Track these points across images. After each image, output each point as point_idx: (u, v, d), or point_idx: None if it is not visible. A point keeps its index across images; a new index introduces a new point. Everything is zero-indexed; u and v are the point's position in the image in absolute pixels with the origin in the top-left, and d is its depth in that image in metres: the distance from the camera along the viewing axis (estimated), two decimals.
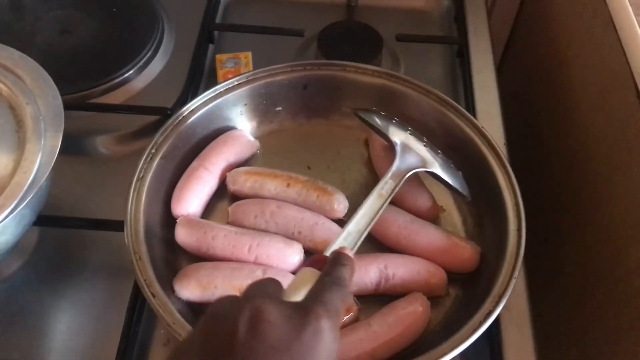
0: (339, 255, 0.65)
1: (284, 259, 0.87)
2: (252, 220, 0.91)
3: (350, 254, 0.66)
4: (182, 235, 0.90)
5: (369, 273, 0.86)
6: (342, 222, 0.92)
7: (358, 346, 0.79)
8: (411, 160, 0.91)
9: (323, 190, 0.94)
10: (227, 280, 0.84)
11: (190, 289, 0.84)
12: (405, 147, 0.92)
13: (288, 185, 0.94)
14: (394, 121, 0.97)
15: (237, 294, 0.83)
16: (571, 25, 1.21)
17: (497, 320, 0.87)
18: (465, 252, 0.90)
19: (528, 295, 0.92)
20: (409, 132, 0.95)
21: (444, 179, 0.93)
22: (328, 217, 0.92)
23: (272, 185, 0.94)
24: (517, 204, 0.88)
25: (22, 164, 0.81)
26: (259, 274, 0.84)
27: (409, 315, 0.83)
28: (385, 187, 0.86)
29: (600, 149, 1.05)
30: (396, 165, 0.89)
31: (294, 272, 0.88)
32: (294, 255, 0.88)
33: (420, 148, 0.93)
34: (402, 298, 0.85)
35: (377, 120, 0.96)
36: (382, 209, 0.83)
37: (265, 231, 0.91)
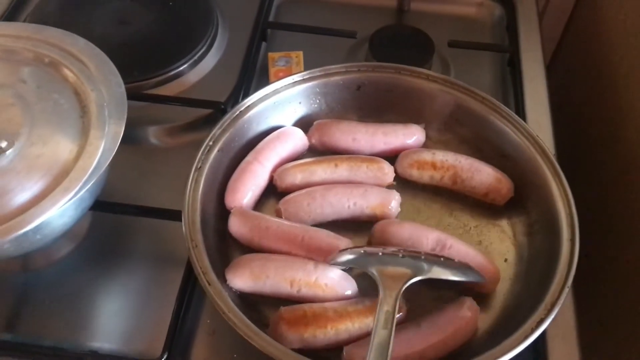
0: None
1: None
2: (306, 209, 0.93)
3: None
4: (236, 225, 0.91)
5: (427, 237, 0.90)
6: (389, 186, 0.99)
7: (407, 345, 0.79)
8: (397, 279, 0.80)
9: (369, 160, 0.99)
10: (279, 271, 0.85)
11: (243, 279, 0.85)
12: (384, 273, 0.81)
13: (336, 165, 0.98)
14: (362, 251, 0.86)
15: (289, 285, 0.85)
16: (624, 38, 1.21)
17: (543, 331, 0.87)
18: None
19: (574, 307, 0.92)
20: (380, 253, 0.84)
21: (447, 278, 0.83)
22: (378, 183, 0.98)
23: (321, 170, 0.97)
24: (570, 214, 0.88)
25: (86, 149, 0.83)
26: (310, 268, 0.86)
27: (458, 319, 0.83)
28: (382, 323, 0.76)
29: None
30: (381, 294, 0.79)
31: None
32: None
33: (402, 262, 0.82)
34: (452, 302, 0.86)
35: (350, 258, 0.86)
36: (390, 347, 0.74)
37: (321, 215, 0.93)
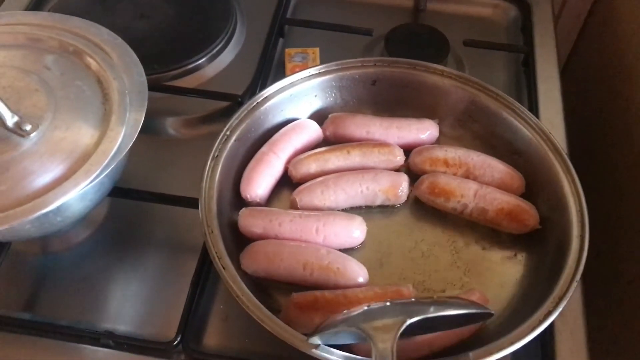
0: None
1: (350, 233, 0.93)
2: (320, 197, 0.95)
3: None
4: (248, 226, 0.92)
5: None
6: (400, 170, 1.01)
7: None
8: (389, 329, 0.72)
9: (380, 145, 1.01)
10: (292, 255, 0.87)
11: (257, 262, 0.87)
12: (375, 327, 0.73)
13: (348, 152, 1.00)
14: (344, 314, 0.76)
15: (302, 268, 0.87)
16: (638, 42, 1.21)
17: (551, 325, 0.87)
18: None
19: (583, 302, 0.93)
20: (365, 308, 0.75)
21: (446, 314, 0.75)
22: (389, 167, 1.00)
23: (334, 158, 1.00)
24: (581, 210, 0.89)
25: (108, 134, 0.85)
26: (323, 252, 0.88)
27: None
28: None
29: None
30: (374, 348, 0.72)
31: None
32: (357, 229, 0.93)
33: (392, 310, 0.74)
34: (460, 293, 0.87)
35: (335, 324, 0.76)
36: None
37: (335, 202, 0.95)
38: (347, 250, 0.93)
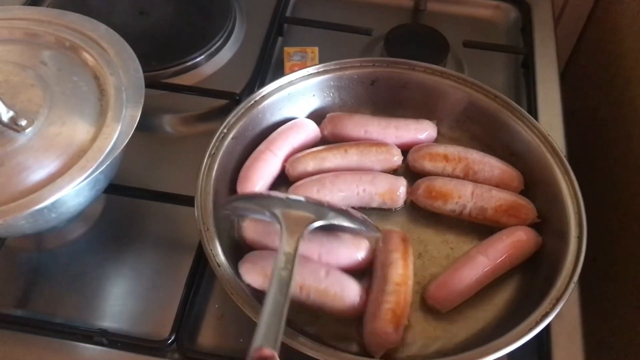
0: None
1: (354, 259, 0.90)
2: (316, 195, 0.94)
3: (272, 352, 0.65)
4: (251, 232, 0.90)
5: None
6: (396, 172, 1.01)
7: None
8: (300, 222, 0.80)
9: (378, 144, 1.00)
10: None
11: (253, 276, 0.84)
12: (287, 216, 0.81)
13: (346, 151, 0.99)
14: (267, 195, 0.89)
15: (298, 290, 0.83)
16: (638, 45, 1.21)
17: (548, 327, 0.87)
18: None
19: (580, 305, 0.93)
20: (285, 198, 0.84)
21: (345, 225, 0.85)
22: (387, 167, 1.00)
23: (332, 156, 0.99)
24: (579, 212, 0.89)
25: (103, 130, 0.85)
26: (321, 275, 0.85)
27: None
28: (282, 264, 0.76)
29: None
30: (284, 235, 0.79)
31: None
32: (362, 251, 0.90)
33: (306, 207, 0.83)
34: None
35: (255, 200, 0.88)
36: (290, 286, 0.74)
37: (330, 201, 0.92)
38: None
